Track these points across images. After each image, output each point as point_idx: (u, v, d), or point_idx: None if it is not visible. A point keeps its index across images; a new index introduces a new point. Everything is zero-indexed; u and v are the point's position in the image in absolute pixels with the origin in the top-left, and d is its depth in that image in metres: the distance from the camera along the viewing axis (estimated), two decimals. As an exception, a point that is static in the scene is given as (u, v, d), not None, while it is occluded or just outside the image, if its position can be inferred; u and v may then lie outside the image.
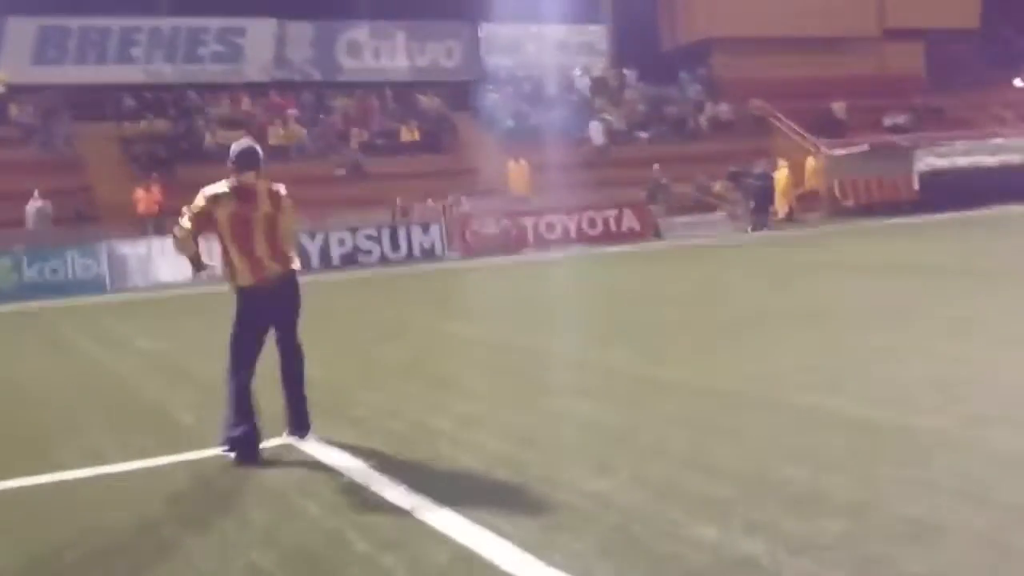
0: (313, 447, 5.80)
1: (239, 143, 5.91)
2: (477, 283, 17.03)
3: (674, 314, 10.88)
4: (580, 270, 18.29)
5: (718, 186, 25.04)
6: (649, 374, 7.38)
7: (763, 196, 24.10)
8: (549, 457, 5.26)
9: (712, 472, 4.64)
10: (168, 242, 20.10)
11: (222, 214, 5.63)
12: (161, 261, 19.86)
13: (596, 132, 29.82)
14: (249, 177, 5.70)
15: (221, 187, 5.69)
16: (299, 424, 5.93)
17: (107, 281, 19.30)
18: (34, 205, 22.18)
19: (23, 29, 27.07)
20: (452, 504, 4.41)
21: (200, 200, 5.69)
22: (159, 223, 21.64)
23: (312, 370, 6.06)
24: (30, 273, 18.92)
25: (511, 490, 4.67)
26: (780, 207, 25.43)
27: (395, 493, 4.72)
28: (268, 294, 5.74)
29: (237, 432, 5.67)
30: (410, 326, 11.55)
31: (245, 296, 5.76)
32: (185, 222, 5.67)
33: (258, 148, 5.89)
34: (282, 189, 5.86)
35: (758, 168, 24.51)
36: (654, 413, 6.06)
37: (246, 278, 5.71)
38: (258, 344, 5.82)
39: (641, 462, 4.93)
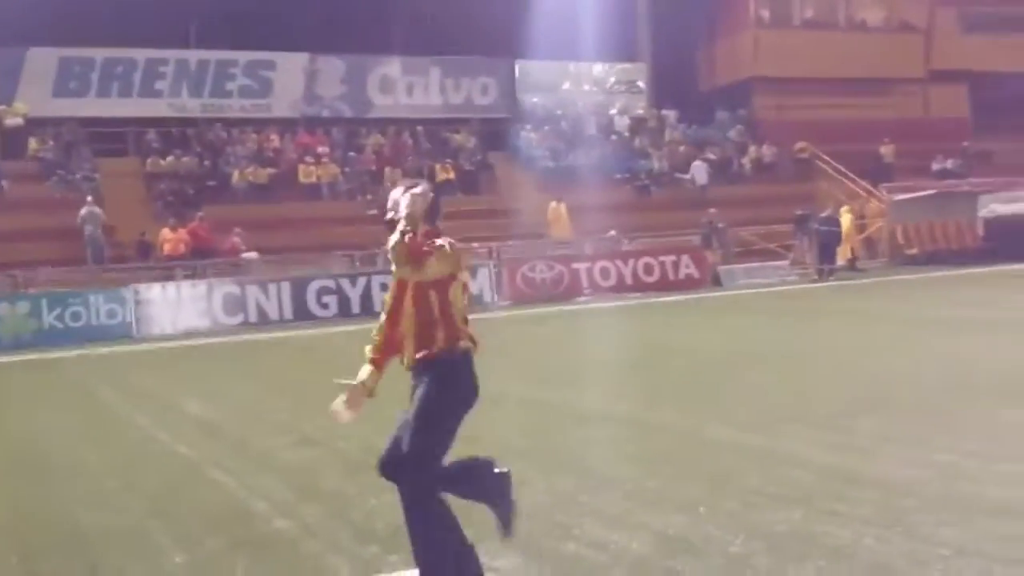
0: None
1: (419, 186, 4.16)
2: (549, 338, 15.38)
3: (778, 378, 9.37)
4: (660, 322, 16.61)
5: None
6: (858, 472, 5.88)
7: (830, 242, 22.64)
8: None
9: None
10: (196, 288, 18.99)
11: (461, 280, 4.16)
12: (191, 307, 18.43)
13: (699, 172, 28.69)
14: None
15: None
16: None
17: (133, 328, 17.81)
18: (87, 209, 21.25)
19: (44, 60, 25.81)
20: None
21: (451, 259, 4.05)
22: (187, 265, 20.32)
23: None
24: (50, 319, 17.43)
25: None
26: (842, 254, 24.00)
27: None
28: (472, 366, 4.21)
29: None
30: (507, 397, 9.10)
31: (465, 364, 4.15)
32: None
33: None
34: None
35: (825, 212, 23.04)
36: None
37: (467, 340, 4.15)
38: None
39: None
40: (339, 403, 4.16)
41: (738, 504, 5.35)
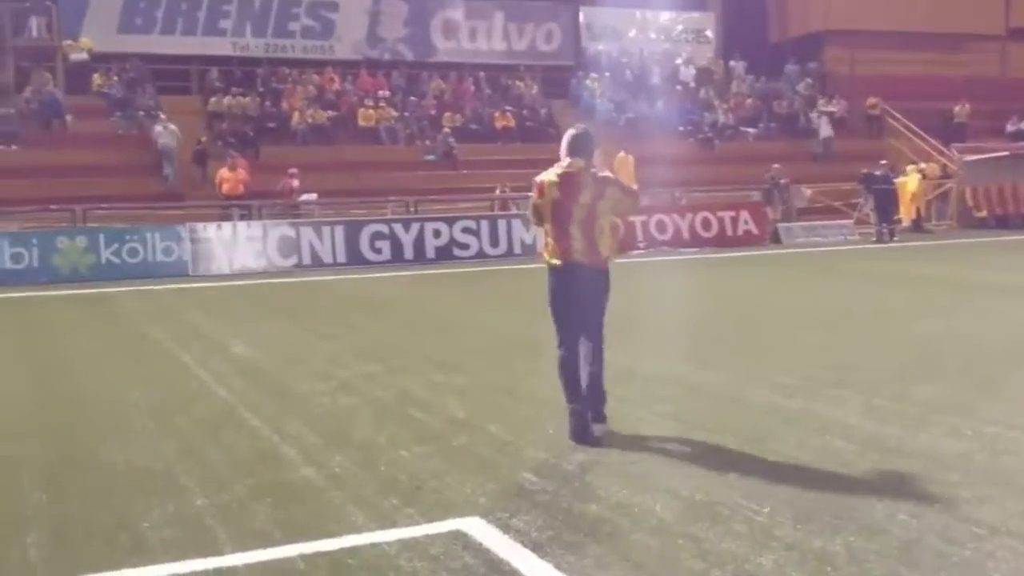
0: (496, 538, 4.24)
1: (574, 129, 5.91)
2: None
3: (827, 341, 9.12)
4: (713, 278, 16.30)
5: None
6: (902, 443, 5.69)
7: (887, 201, 21.94)
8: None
9: None
10: (251, 228, 19.09)
11: (547, 202, 5.81)
12: (247, 246, 18.52)
13: (824, 125, 28.14)
14: (576, 164, 5.75)
15: (551, 174, 5.83)
16: (595, 416, 5.87)
17: (189, 266, 17.95)
18: (164, 126, 21.92)
19: (110, -5, 25.95)
20: None
21: (533, 192, 5.94)
22: (243, 206, 20.40)
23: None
24: (107, 254, 17.62)
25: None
26: (905, 215, 23.35)
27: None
28: (572, 277, 5.82)
29: (569, 411, 5.82)
30: (549, 348, 9.62)
31: (551, 273, 5.94)
32: (531, 214, 6.11)
33: (590, 133, 5.88)
34: (608, 173, 5.84)
35: (880, 171, 22.24)
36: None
37: (555, 257, 5.87)
38: (569, 322, 5.91)
39: None
40: None
41: (771, 472, 5.20)
